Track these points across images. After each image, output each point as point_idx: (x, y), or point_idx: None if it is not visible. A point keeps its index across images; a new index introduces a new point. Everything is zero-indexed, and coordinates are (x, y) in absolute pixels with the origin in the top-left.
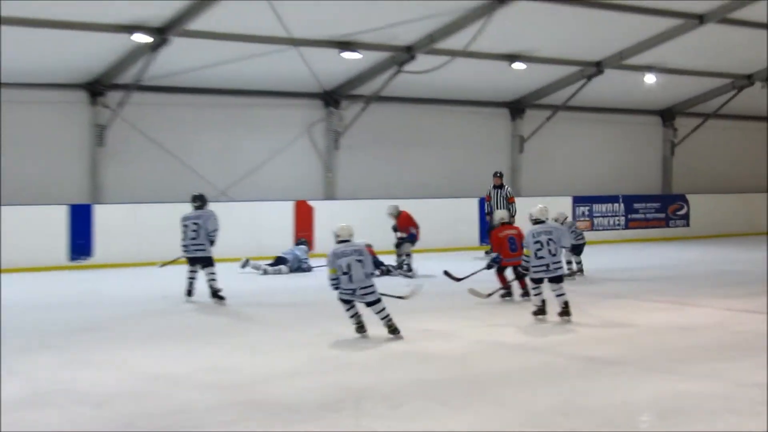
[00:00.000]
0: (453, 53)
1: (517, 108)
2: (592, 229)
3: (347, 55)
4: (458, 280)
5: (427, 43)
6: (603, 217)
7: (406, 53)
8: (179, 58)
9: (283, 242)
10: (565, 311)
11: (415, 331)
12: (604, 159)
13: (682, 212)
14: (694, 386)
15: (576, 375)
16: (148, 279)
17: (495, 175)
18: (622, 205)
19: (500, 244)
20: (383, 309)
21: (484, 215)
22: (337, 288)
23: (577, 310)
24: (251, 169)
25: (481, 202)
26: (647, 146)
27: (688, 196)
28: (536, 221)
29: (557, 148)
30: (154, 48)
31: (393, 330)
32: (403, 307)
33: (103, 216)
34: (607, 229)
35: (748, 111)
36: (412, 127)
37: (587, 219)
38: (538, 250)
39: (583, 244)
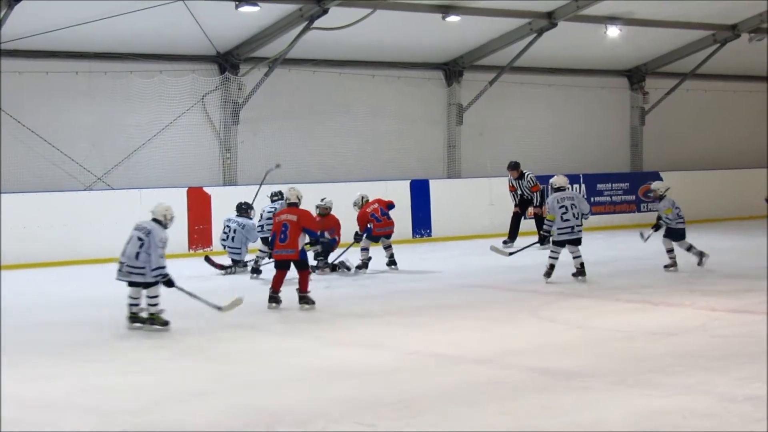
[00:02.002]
0: (373, 5)
1: (453, 70)
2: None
3: (245, 8)
4: (509, 254)
5: None
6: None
7: (316, 5)
8: (40, 14)
9: (174, 236)
10: (580, 271)
11: (339, 341)
12: (560, 130)
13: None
14: (675, 402)
15: (532, 391)
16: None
17: (510, 167)
18: (583, 186)
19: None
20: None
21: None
22: None
23: (529, 313)
24: (133, 151)
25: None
26: (612, 114)
27: (663, 174)
28: (558, 188)
29: (502, 119)
30: (9, 3)
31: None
32: (338, 312)
33: None
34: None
35: (733, 69)
36: (326, 96)
37: (544, 204)
38: (564, 213)
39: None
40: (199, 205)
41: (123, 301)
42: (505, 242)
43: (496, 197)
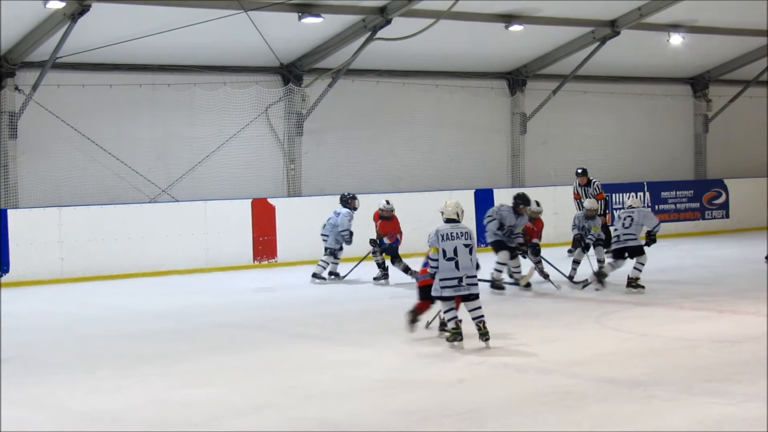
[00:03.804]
0: (436, 14)
1: (516, 80)
2: (612, 223)
3: (309, 20)
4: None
5: (404, 4)
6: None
7: (379, 16)
8: (102, 27)
9: (239, 248)
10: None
11: (402, 352)
12: (623, 138)
13: (720, 201)
14: (739, 410)
15: (597, 401)
16: (73, 298)
17: (578, 173)
18: (647, 193)
19: None
20: None
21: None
22: None
23: (595, 322)
24: (197, 163)
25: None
26: (676, 122)
27: (727, 182)
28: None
29: (566, 127)
30: (72, 16)
31: None
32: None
33: (18, 223)
34: None
35: None
36: (389, 106)
37: (606, 211)
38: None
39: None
40: (263, 216)
41: (185, 313)
42: (569, 251)
43: (560, 206)
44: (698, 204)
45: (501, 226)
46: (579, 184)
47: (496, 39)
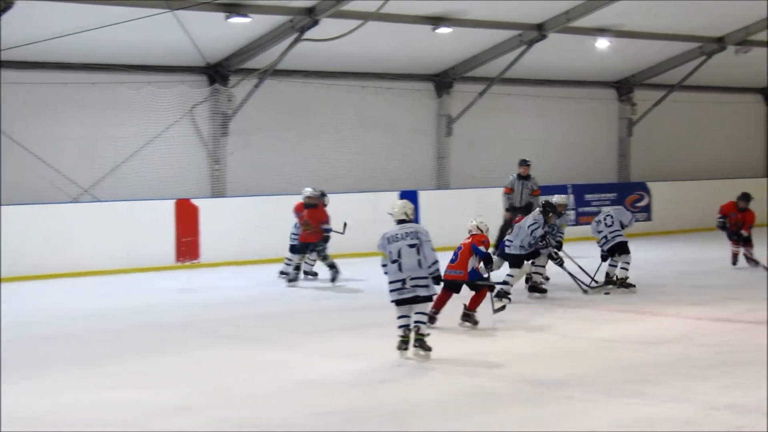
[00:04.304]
0: (364, 16)
1: (443, 82)
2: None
3: (235, 20)
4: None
5: (333, 5)
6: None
7: (307, 17)
8: (26, 25)
9: (161, 248)
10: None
11: (329, 353)
12: (549, 141)
13: (643, 203)
14: (658, 410)
15: (518, 402)
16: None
17: (523, 163)
18: (571, 196)
19: None
20: None
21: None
22: None
23: (518, 324)
24: (120, 162)
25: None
26: (600, 125)
27: (650, 185)
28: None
29: (492, 130)
30: None
31: None
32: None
33: None
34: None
35: (719, 81)
36: (316, 107)
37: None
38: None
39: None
40: (187, 217)
41: (108, 314)
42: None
43: (484, 208)
44: (621, 207)
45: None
46: (519, 176)
47: (424, 41)
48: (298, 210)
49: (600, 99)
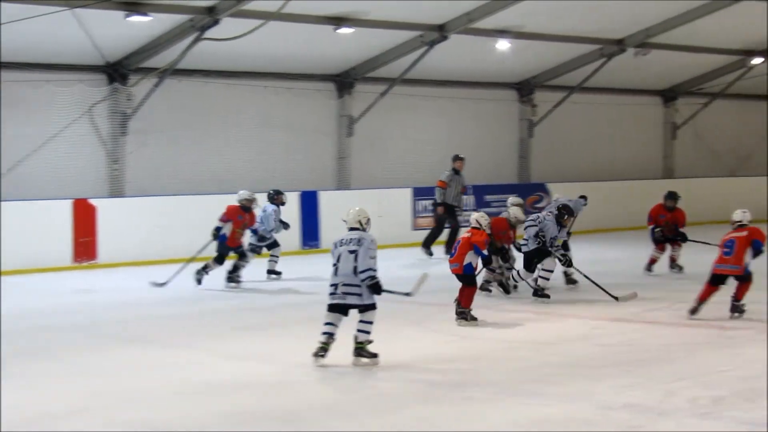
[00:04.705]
0: (266, 15)
1: (344, 82)
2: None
3: (135, 18)
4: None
5: (234, 4)
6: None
7: (207, 16)
8: None
9: (58, 248)
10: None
11: (226, 354)
12: (450, 142)
13: (543, 204)
14: (555, 410)
15: (415, 402)
16: None
17: (458, 158)
18: (472, 196)
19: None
20: None
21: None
22: None
23: (417, 324)
24: (16, 162)
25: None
26: (501, 126)
27: (549, 186)
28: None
29: (393, 130)
30: None
31: None
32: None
33: None
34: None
35: (619, 83)
36: (216, 107)
37: (432, 215)
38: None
39: None
40: (84, 217)
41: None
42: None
43: (384, 208)
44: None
45: (536, 234)
46: (454, 171)
47: (325, 41)
48: (233, 213)
49: (501, 100)
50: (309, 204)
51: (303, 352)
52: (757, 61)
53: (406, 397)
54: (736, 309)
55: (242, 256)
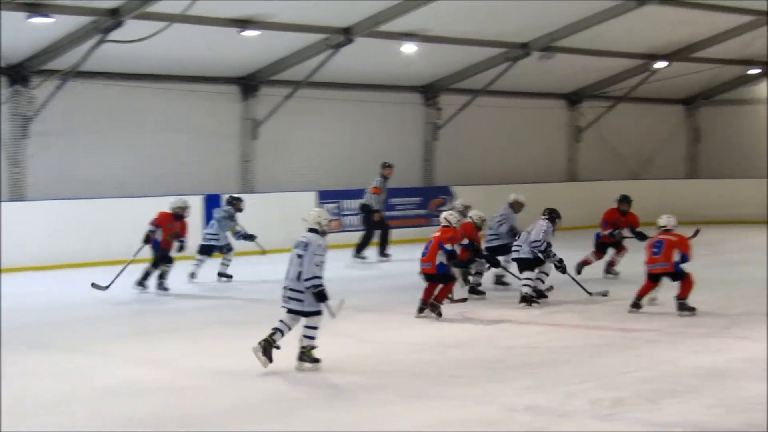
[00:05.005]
0: (170, 17)
1: (249, 85)
2: (341, 230)
3: (37, 19)
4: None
5: (138, 6)
6: (354, 215)
7: (110, 18)
8: None
9: None
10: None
11: (125, 359)
12: (356, 146)
13: (446, 208)
14: (459, 412)
15: (318, 407)
16: None
17: (388, 166)
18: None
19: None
20: None
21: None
22: None
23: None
24: None
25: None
26: (407, 129)
27: (454, 189)
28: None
29: (298, 133)
30: None
31: None
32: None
33: None
34: (359, 229)
35: (524, 86)
36: (119, 110)
37: (335, 218)
38: None
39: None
40: None
41: None
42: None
43: (287, 213)
44: (425, 211)
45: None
46: (384, 177)
47: (229, 44)
48: (163, 221)
49: (406, 103)
50: (213, 207)
51: (205, 356)
52: (661, 64)
53: (312, 401)
54: (684, 307)
55: (167, 261)
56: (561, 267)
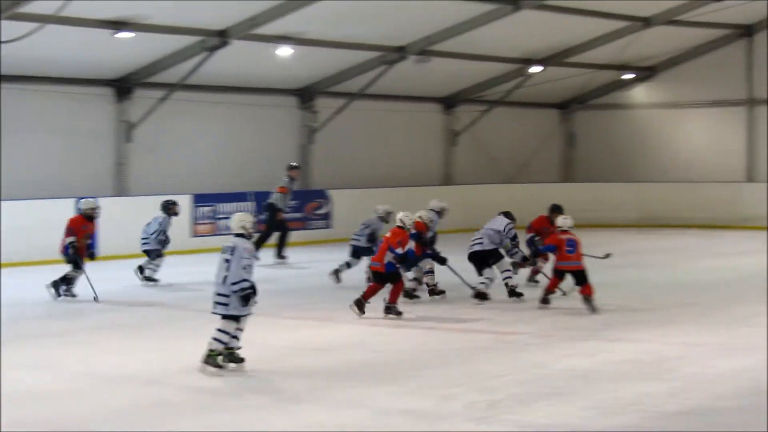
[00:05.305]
0: (43, 18)
1: (123, 87)
2: (217, 233)
3: None
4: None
5: (10, 6)
6: (230, 218)
7: None
8: None
9: None
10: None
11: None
12: (231, 148)
13: (323, 211)
14: (333, 417)
15: (194, 410)
16: None
17: (295, 167)
18: (253, 203)
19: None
20: None
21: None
22: None
23: (195, 332)
24: None
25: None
26: (282, 132)
27: (331, 192)
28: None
29: (173, 136)
30: None
31: None
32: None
33: None
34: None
35: (400, 90)
36: None
37: (212, 222)
38: None
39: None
40: None
41: None
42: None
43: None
44: (302, 214)
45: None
46: (291, 179)
47: (104, 45)
48: (78, 224)
49: (282, 106)
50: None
51: (84, 361)
52: (536, 69)
53: (185, 405)
54: (589, 302)
55: (77, 266)
56: (520, 264)
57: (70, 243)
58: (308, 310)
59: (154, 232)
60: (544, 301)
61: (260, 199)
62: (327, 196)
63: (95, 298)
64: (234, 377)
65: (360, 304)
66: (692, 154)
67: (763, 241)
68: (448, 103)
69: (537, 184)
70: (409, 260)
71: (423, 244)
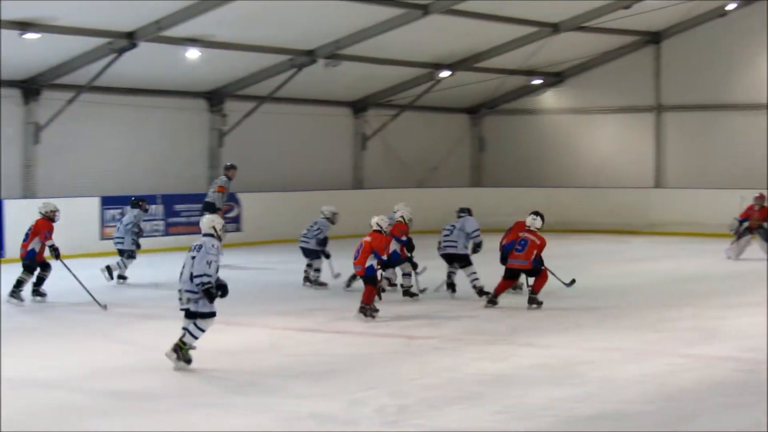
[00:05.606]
0: None
1: (30, 89)
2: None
3: None
4: None
5: None
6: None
7: None
8: None
9: None
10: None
11: None
12: (139, 151)
13: (233, 214)
14: (241, 422)
15: (101, 415)
16: None
17: (232, 167)
18: (161, 206)
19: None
20: None
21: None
22: None
23: (103, 335)
24: None
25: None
26: (191, 135)
27: (240, 196)
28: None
29: (81, 138)
30: None
31: None
32: None
33: None
34: (145, 236)
35: (310, 93)
36: None
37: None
38: None
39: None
40: None
41: None
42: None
43: (72, 218)
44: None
45: None
46: (228, 178)
47: (11, 46)
48: (45, 226)
49: (191, 109)
50: None
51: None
52: (445, 74)
53: (89, 409)
54: (533, 301)
55: (46, 267)
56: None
57: (52, 245)
58: (219, 314)
59: (129, 223)
60: (492, 302)
61: (167, 201)
62: (236, 199)
63: (104, 306)
64: (137, 382)
65: (365, 310)
66: (601, 160)
67: (670, 246)
68: (358, 106)
69: (447, 189)
70: (393, 263)
71: (410, 249)
